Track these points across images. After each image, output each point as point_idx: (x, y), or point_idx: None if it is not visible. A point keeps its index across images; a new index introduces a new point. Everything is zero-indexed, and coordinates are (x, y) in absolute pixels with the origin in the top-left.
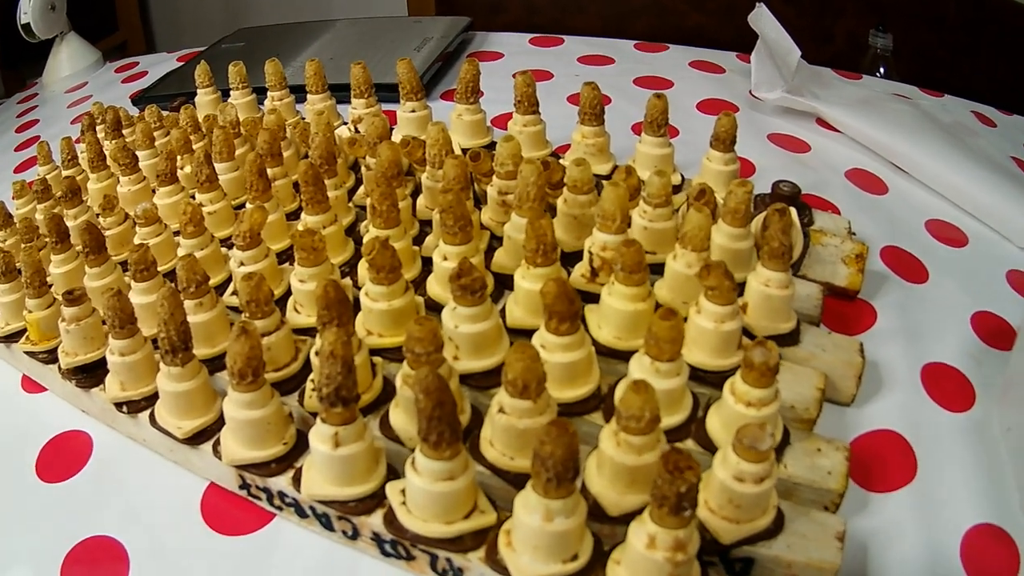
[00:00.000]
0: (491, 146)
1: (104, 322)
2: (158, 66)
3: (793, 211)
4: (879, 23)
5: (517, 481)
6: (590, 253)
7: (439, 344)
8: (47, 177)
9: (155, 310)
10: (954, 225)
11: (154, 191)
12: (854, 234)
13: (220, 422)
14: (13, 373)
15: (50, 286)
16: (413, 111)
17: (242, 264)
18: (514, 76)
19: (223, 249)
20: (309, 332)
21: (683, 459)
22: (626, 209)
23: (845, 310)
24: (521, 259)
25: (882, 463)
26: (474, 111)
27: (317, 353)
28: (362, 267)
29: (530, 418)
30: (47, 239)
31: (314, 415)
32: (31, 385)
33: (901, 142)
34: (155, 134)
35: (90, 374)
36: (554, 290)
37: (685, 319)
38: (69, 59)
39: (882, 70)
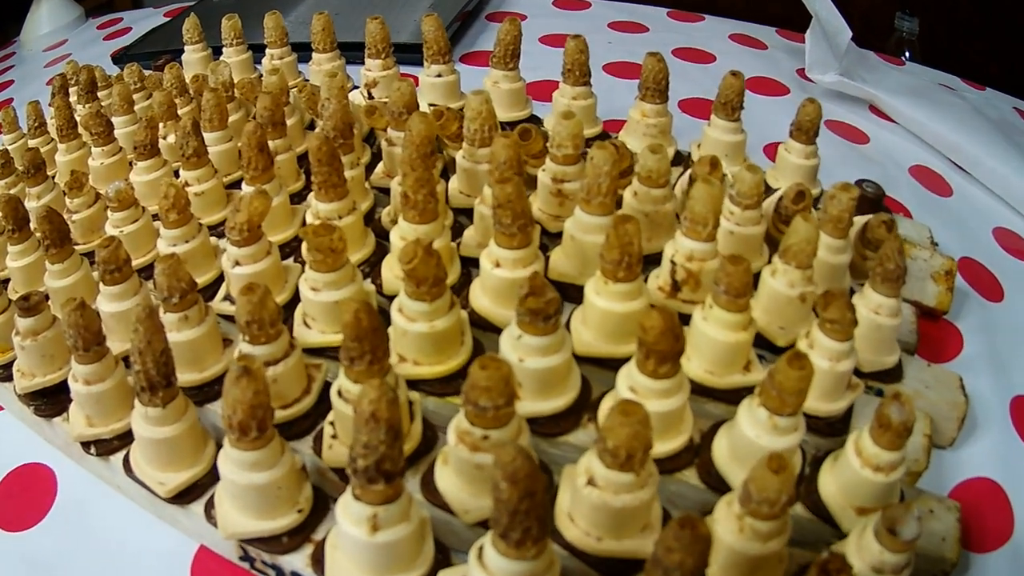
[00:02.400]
0: (531, 119)
1: None
2: (144, 22)
3: None
4: (904, 6)
5: (604, 566)
6: (673, 263)
7: (510, 395)
8: (9, 148)
9: (128, 323)
10: (1018, 234)
11: (131, 165)
12: (936, 244)
13: (213, 474)
14: None
15: (6, 283)
16: (439, 76)
17: (237, 264)
18: (542, 39)
19: (213, 239)
20: (322, 353)
21: (835, 562)
22: (719, 212)
23: (931, 333)
24: (585, 265)
25: (981, 518)
26: (513, 78)
27: (340, 394)
28: (387, 268)
29: (629, 493)
30: (3, 225)
31: (338, 472)
32: None
33: (959, 137)
34: (135, 97)
35: (52, 399)
36: (660, 325)
37: (786, 349)
38: (49, 15)
39: (907, 54)
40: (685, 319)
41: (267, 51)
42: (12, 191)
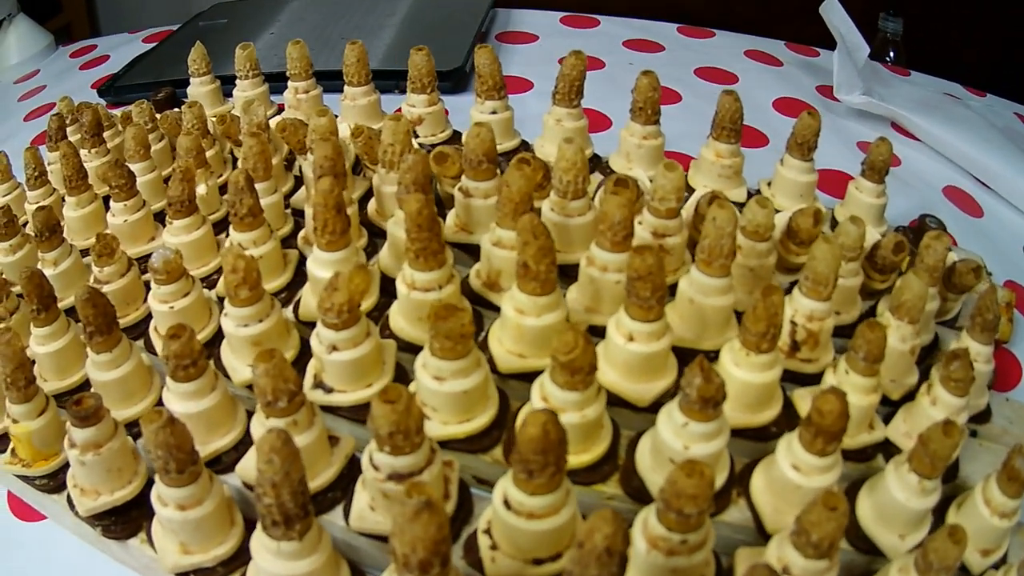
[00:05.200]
0: (594, 159)
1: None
2: (121, 49)
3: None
4: (889, 7)
5: None
6: (793, 324)
7: (712, 498)
8: (9, 204)
9: (204, 422)
10: None
11: (157, 217)
12: (991, 274)
13: None
14: None
15: (35, 366)
16: (494, 112)
17: (335, 350)
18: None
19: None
20: (445, 445)
21: None
22: (838, 270)
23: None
24: (705, 329)
25: None
26: (577, 116)
27: (508, 505)
28: (496, 343)
29: None
30: (26, 303)
31: None
32: (23, 509)
33: (978, 153)
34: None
35: (123, 517)
36: (837, 409)
37: (899, 400)
38: (18, 44)
39: (892, 55)
40: (800, 378)
41: (290, 84)
42: (18, 254)
